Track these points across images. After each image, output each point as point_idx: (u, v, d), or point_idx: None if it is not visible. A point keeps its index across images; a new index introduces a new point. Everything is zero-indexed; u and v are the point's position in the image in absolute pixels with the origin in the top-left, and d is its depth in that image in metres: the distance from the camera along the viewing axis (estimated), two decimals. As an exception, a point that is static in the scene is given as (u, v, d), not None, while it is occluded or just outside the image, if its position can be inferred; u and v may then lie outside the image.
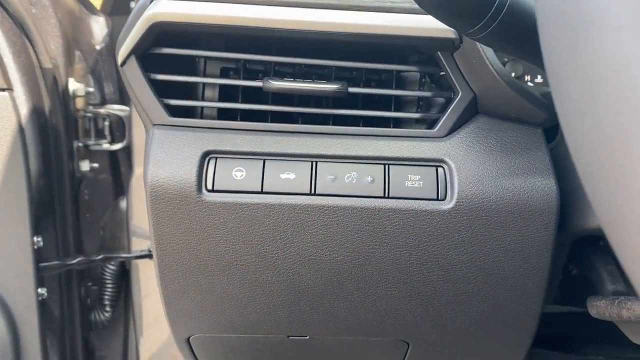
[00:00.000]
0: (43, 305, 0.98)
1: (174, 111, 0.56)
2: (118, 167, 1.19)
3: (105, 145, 1.11)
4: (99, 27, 1.07)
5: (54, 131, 0.98)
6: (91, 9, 1.06)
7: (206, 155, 0.54)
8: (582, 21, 0.23)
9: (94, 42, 1.08)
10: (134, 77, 0.55)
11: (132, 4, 1.02)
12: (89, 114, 1.08)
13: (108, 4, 1.10)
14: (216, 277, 0.57)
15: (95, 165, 1.12)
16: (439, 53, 0.55)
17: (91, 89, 1.07)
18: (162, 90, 0.56)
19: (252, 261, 0.56)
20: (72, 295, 1.08)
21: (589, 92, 0.24)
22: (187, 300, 0.59)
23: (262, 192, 0.54)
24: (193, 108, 0.58)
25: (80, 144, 1.07)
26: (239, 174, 0.54)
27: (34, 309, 0.96)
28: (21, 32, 0.91)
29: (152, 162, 0.54)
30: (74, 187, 1.07)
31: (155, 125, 0.56)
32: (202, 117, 0.59)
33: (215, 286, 0.58)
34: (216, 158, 0.54)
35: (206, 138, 0.55)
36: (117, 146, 1.11)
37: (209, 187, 0.54)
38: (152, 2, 0.54)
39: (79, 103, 1.06)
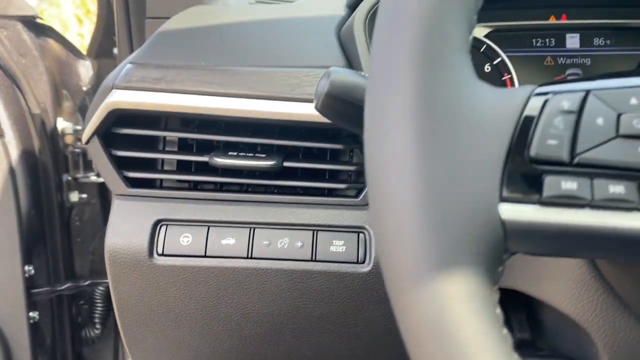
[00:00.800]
0: (34, 328, 1.07)
1: (133, 182, 0.64)
2: (106, 196, 1.27)
3: (93, 178, 1.19)
4: (85, 70, 1.15)
5: (44, 168, 1.07)
6: (78, 54, 1.14)
7: (157, 223, 0.63)
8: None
9: (81, 84, 1.16)
10: (97, 154, 0.63)
11: (115, 50, 1.10)
12: (77, 150, 1.17)
13: (93, 48, 1.18)
14: (169, 327, 0.65)
15: (84, 195, 1.21)
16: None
17: (79, 127, 1.16)
18: (123, 162, 0.64)
19: (199, 315, 0.64)
20: (63, 316, 1.16)
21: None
22: (146, 344, 0.68)
23: (205, 256, 0.62)
24: None
25: (70, 177, 1.16)
26: (185, 239, 0.62)
27: (25, 332, 1.05)
28: (12, 82, 0.99)
29: (111, 230, 0.62)
30: (64, 216, 1.16)
31: (115, 195, 0.64)
32: (161, 183, 0.67)
33: (168, 334, 0.66)
34: (167, 225, 0.63)
35: (158, 207, 0.63)
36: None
37: (159, 251, 0.62)
38: (112, 90, 0.62)
39: (68, 140, 1.14)
